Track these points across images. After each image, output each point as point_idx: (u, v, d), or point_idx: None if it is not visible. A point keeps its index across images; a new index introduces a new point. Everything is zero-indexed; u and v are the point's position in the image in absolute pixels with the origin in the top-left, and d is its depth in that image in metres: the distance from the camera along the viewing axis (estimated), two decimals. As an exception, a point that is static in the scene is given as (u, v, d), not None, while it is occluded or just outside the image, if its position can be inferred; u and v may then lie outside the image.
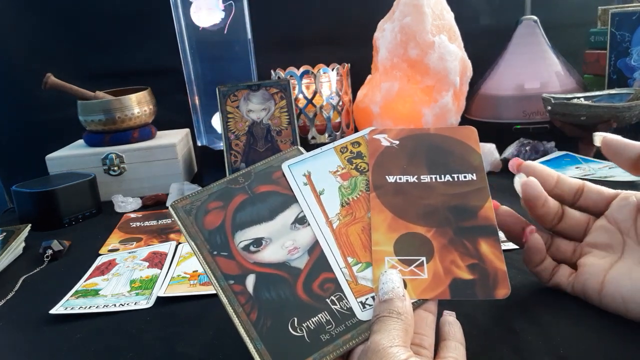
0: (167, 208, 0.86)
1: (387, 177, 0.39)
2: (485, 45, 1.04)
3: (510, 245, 0.57)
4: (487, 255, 0.34)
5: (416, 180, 0.39)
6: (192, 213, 0.39)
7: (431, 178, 0.39)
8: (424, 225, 0.36)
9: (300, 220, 0.38)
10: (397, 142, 0.41)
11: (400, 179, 0.39)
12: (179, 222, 0.38)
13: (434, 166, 0.39)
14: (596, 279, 0.39)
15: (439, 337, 0.33)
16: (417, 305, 0.33)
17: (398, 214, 0.37)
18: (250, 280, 0.35)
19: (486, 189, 0.37)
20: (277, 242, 0.37)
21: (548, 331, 0.42)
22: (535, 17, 1.01)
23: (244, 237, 0.37)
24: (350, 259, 0.36)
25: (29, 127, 1.18)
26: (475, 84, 1.02)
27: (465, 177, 0.38)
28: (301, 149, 0.42)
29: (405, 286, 0.33)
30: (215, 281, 0.35)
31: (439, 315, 0.34)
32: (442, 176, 0.38)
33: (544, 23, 1.01)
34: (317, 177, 0.40)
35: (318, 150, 0.42)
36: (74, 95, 0.96)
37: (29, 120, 1.18)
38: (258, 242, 0.37)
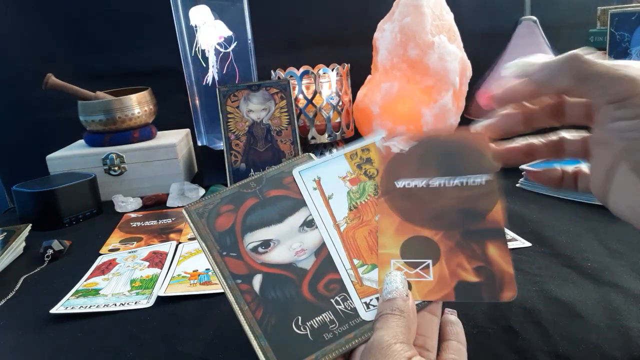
0: (168, 208, 0.86)
1: (396, 182, 0.39)
2: (485, 45, 1.04)
3: (512, 245, 0.57)
4: (495, 258, 0.34)
5: (425, 185, 0.39)
6: (205, 216, 0.40)
7: (440, 183, 0.39)
8: (431, 229, 0.36)
9: (309, 224, 0.39)
10: (408, 148, 0.41)
11: (409, 184, 0.39)
12: (191, 224, 0.39)
13: (443, 171, 0.39)
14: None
15: (440, 337, 0.33)
16: (420, 307, 0.33)
17: (406, 218, 0.37)
18: (257, 280, 0.36)
19: (496, 193, 0.37)
20: (285, 243, 0.38)
21: (548, 331, 0.42)
22: (534, 18, 1.02)
23: (253, 238, 0.38)
24: (356, 261, 0.36)
25: (30, 127, 1.18)
26: (475, 84, 1.03)
27: (474, 181, 0.38)
28: (312, 155, 0.43)
29: (410, 288, 0.34)
30: (223, 280, 0.36)
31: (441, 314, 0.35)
32: (451, 180, 0.39)
33: (543, 23, 1.02)
34: (326, 182, 0.41)
35: (328, 156, 0.42)
36: (75, 95, 0.96)
37: (29, 120, 1.18)
38: (266, 244, 0.38)
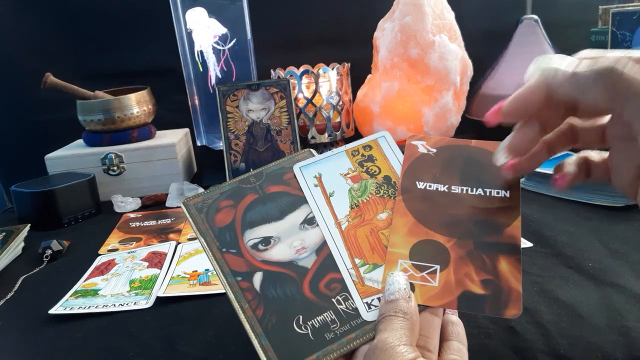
0: (167, 208, 0.86)
1: (417, 182, 0.39)
2: (485, 44, 1.04)
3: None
4: (505, 274, 0.34)
5: (446, 190, 0.38)
6: (204, 211, 0.39)
7: (462, 189, 0.38)
8: (445, 235, 0.36)
9: (309, 221, 0.38)
10: (435, 151, 0.41)
11: (430, 186, 0.39)
12: (190, 219, 0.39)
13: (467, 178, 0.39)
14: None
15: (441, 337, 0.33)
16: (420, 309, 0.33)
17: (420, 220, 0.37)
18: (257, 278, 0.36)
19: (517, 208, 0.36)
20: (286, 241, 0.38)
21: (549, 331, 0.42)
22: (536, 17, 1.01)
23: (253, 235, 0.38)
24: (357, 260, 0.36)
25: (29, 127, 1.18)
26: (475, 83, 1.02)
27: (498, 193, 0.37)
28: (313, 151, 0.42)
29: (414, 290, 0.33)
30: (223, 277, 0.36)
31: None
32: (474, 189, 0.38)
33: (544, 22, 1.02)
34: (327, 179, 0.40)
35: (329, 152, 0.42)
36: (73, 94, 0.96)
37: (28, 120, 1.18)
38: (267, 241, 0.38)
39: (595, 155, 0.36)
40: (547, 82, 0.31)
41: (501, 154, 0.35)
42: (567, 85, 0.30)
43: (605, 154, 0.35)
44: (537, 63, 0.33)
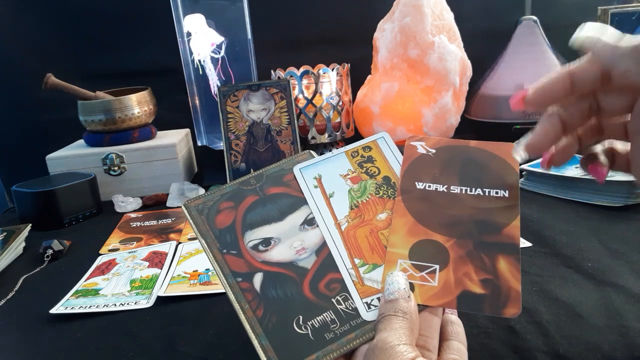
0: (167, 208, 0.86)
1: (416, 183, 0.39)
2: (485, 45, 1.04)
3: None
4: (504, 273, 0.34)
5: (445, 190, 0.39)
6: (204, 212, 0.40)
7: (461, 190, 0.38)
8: (444, 235, 0.36)
9: (309, 222, 0.39)
10: (434, 151, 0.41)
11: (429, 186, 0.39)
12: (190, 221, 0.39)
13: (466, 178, 0.39)
14: None
15: (441, 336, 0.33)
16: (420, 309, 0.33)
17: (420, 220, 0.37)
18: (257, 278, 0.36)
19: (516, 208, 0.37)
20: (286, 242, 0.38)
21: (548, 331, 0.42)
22: (535, 18, 1.01)
23: (253, 236, 0.38)
24: (357, 260, 0.36)
25: (30, 127, 1.18)
26: (475, 84, 1.03)
27: (497, 192, 0.38)
28: (313, 153, 0.43)
29: (413, 290, 0.34)
30: (223, 278, 0.36)
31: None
32: (473, 189, 0.38)
33: (543, 23, 1.02)
34: (327, 180, 0.41)
35: (329, 154, 0.42)
36: (74, 95, 0.96)
37: (29, 120, 1.18)
38: (267, 242, 0.38)
39: (620, 145, 0.37)
40: (593, 46, 0.33)
41: (519, 152, 0.36)
42: (608, 52, 0.32)
43: (628, 145, 0.36)
44: (584, 29, 0.34)
